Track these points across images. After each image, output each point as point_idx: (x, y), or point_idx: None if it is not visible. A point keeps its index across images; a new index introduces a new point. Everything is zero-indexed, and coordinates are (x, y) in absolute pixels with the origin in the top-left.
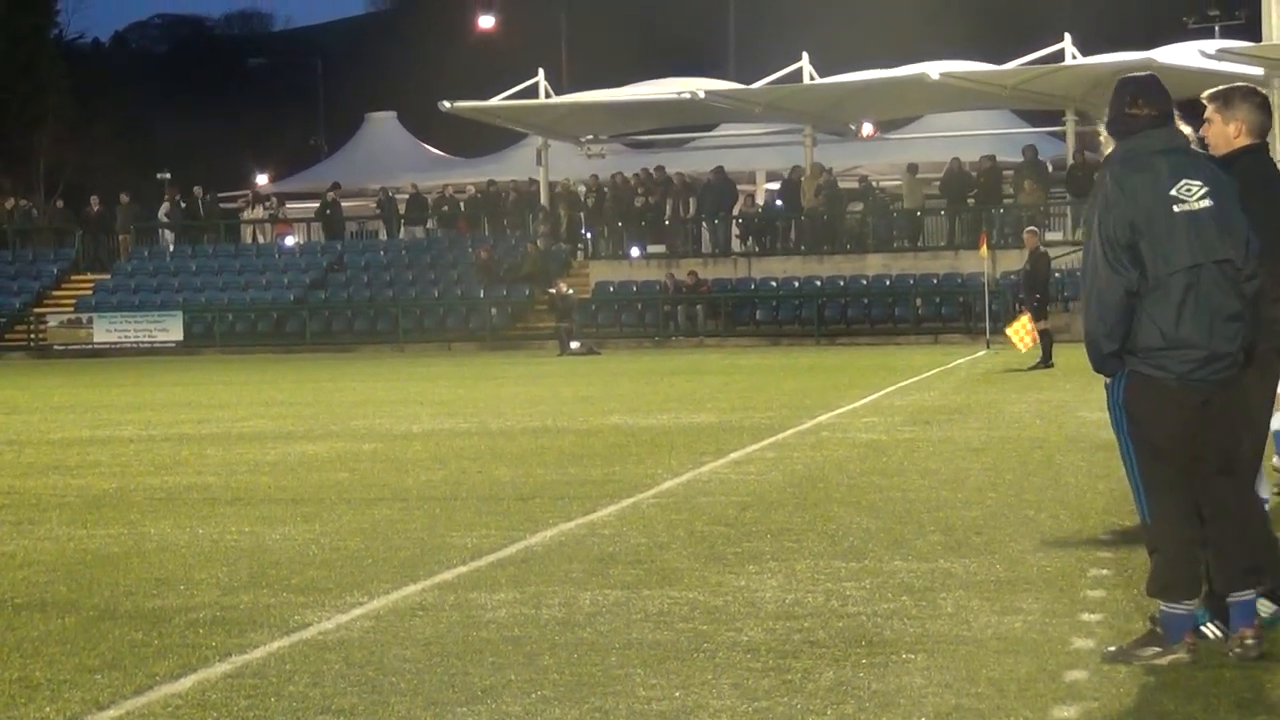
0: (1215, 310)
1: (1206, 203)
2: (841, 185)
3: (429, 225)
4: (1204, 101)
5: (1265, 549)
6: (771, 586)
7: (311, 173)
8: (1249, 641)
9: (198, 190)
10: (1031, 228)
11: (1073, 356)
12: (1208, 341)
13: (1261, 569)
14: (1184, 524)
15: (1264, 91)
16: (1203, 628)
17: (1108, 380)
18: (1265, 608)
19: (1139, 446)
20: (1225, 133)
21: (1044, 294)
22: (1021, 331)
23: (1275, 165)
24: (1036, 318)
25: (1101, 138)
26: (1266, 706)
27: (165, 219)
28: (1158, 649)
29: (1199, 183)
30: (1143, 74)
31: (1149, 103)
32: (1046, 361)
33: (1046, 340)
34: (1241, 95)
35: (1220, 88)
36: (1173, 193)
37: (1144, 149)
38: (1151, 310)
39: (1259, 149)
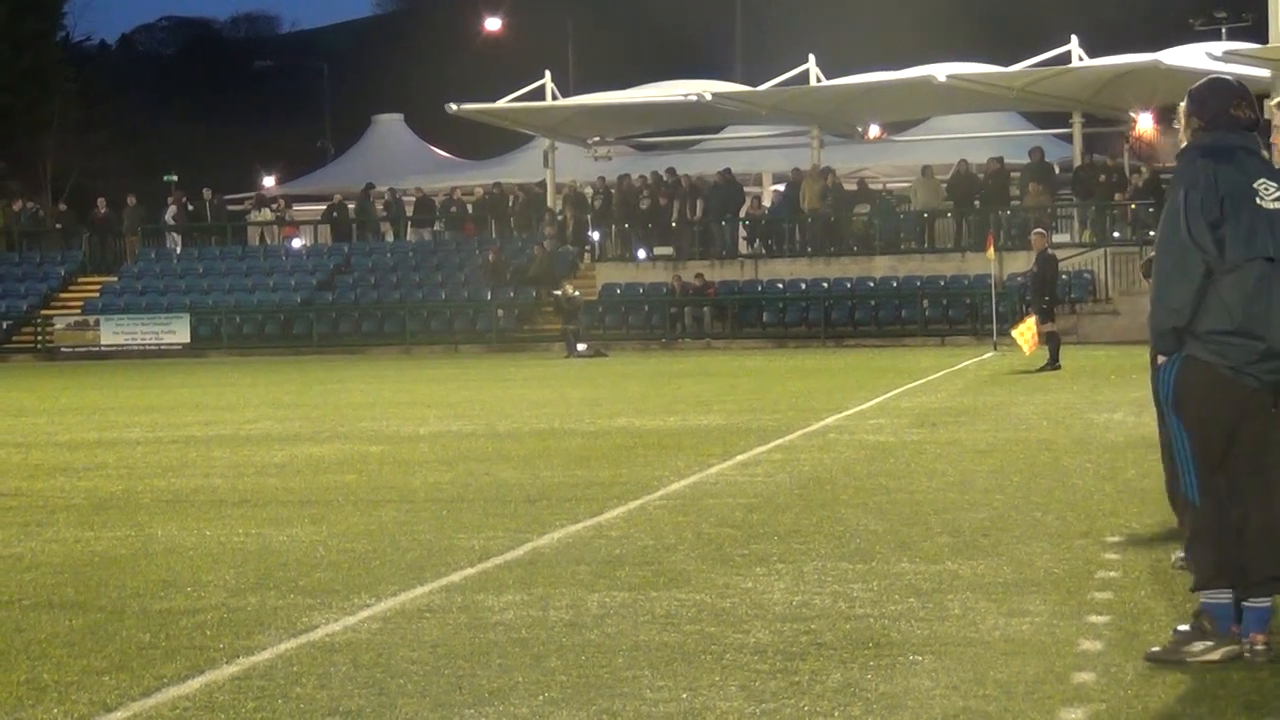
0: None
1: (1279, 205)
2: (845, 187)
3: (436, 227)
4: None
5: None
6: (779, 588)
7: (318, 175)
8: (1259, 647)
9: (207, 193)
10: (1039, 229)
11: (1081, 358)
12: (1273, 336)
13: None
14: (1228, 511)
15: None
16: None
17: (1162, 360)
18: None
19: (1192, 429)
20: None
21: (1052, 296)
22: (1027, 333)
23: None
24: (1044, 320)
25: (1181, 126)
26: (1275, 708)
27: (172, 221)
28: (1208, 643)
29: (1275, 184)
30: (1235, 79)
31: (1250, 107)
32: (1054, 363)
33: (1054, 342)
34: None
35: None
36: (1255, 186)
37: (1230, 143)
38: (1223, 293)
39: None
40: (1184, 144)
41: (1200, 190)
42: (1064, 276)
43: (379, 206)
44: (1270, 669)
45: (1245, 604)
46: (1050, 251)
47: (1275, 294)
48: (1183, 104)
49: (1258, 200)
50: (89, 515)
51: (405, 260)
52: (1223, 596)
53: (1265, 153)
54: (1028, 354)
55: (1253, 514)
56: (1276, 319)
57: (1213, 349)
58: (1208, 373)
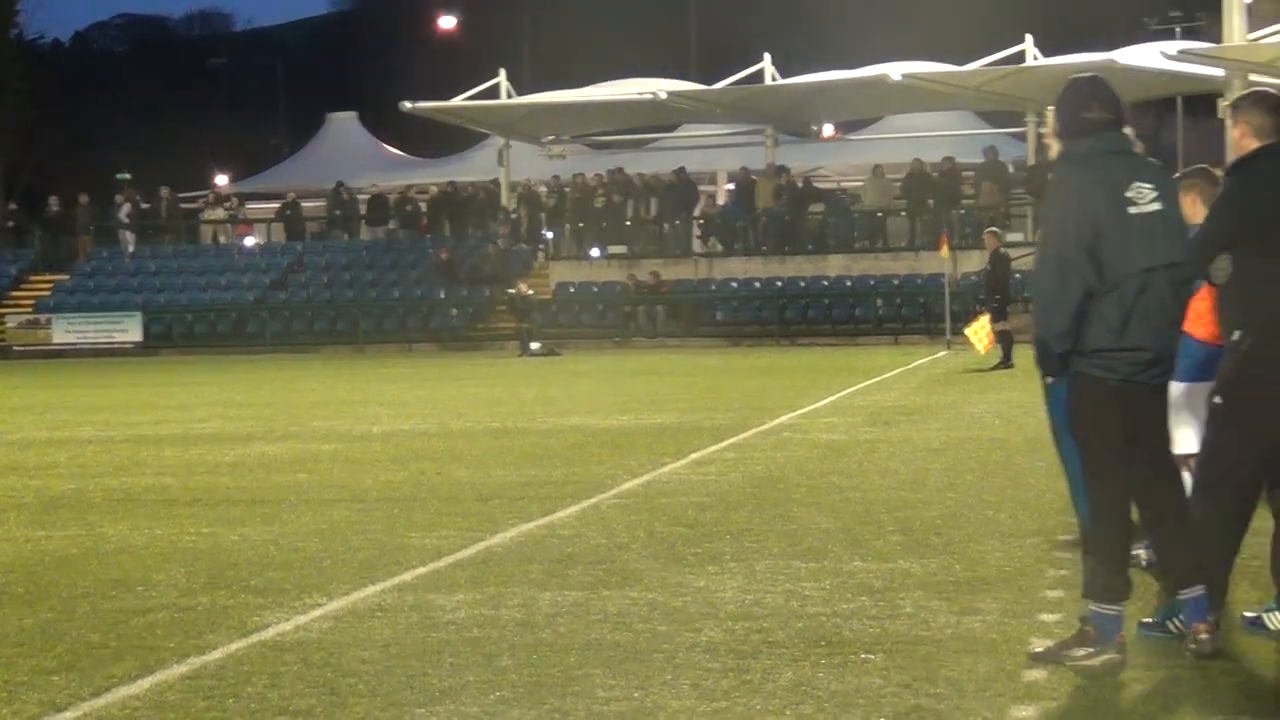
0: (1162, 313)
1: (1156, 205)
2: (799, 186)
3: (390, 226)
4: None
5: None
6: (731, 587)
7: (272, 173)
8: (1203, 637)
9: (164, 191)
10: (993, 229)
11: (1031, 357)
12: (1155, 343)
13: (1206, 564)
14: (1123, 527)
15: (1272, 93)
16: (1169, 623)
17: (1049, 381)
18: (1276, 619)
19: (1084, 448)
20: (1234, 136)
21: (1004, 295)
22: (980, 332)
23: None
24: (997, 319)
25: (1048, 139)
26: (1224, 705)
27: (125, 219)
28: (1090, 649)
29: (1149, 185)
30: (1093, 75)
31: (1104, 105)
32: (1007, 362)
33: (1007, 341)
34: (1248, 100)
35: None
36: (1127, 194)
37: (1099, 150)
38: (1104, 311)
39: (1268, 150)
40: (1053, 153)
41: (1073, 213)
42: (1017, 276)
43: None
44: (1219, 666)
45: (1179, 597)
46: (1003, 251)
47: (1153, 301)
48: (1050, 109)
49: (1130, 209)
50: (40, 514)
51: (359, 259)
52: (1110, 609)
53: (1139, 150)
54: (981, 353)
55: (1167, 513)
56: (1158, 325)
57: (1100, 364)
58: (1099, 387)
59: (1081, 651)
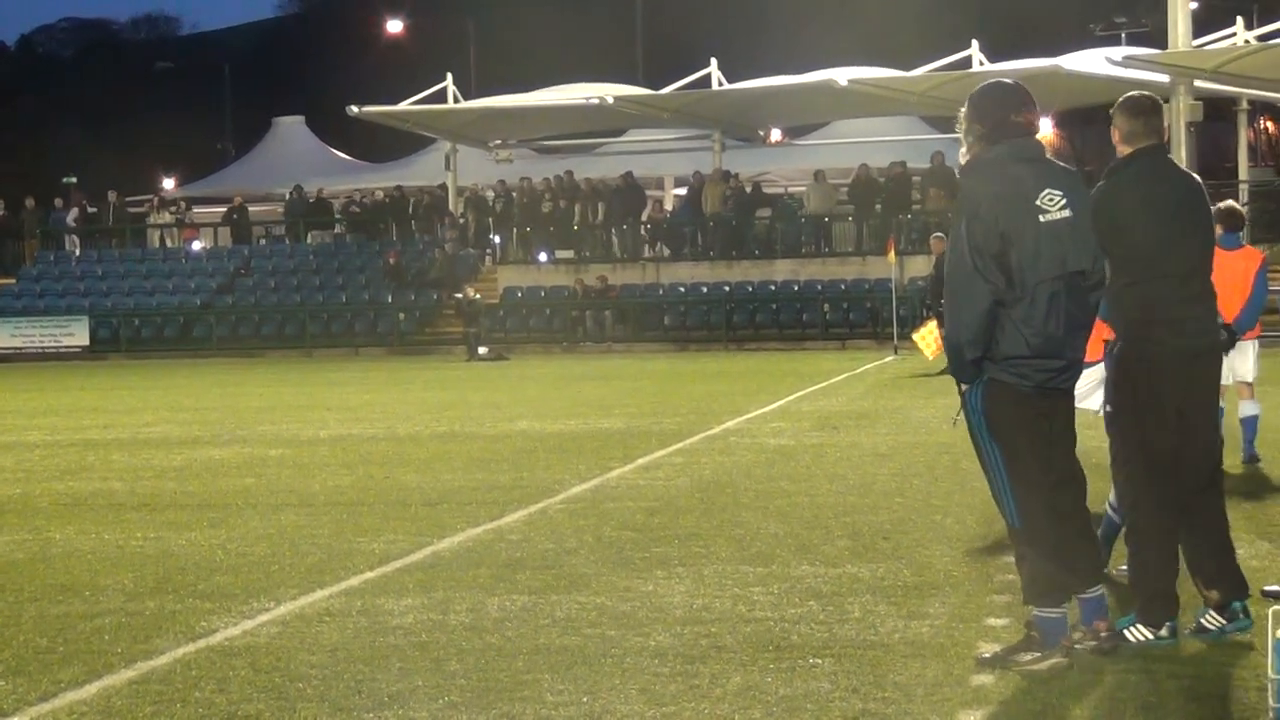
0: (1072, 319)
1: (1066, 213)
2: (748, 191)
3: (337, 230)
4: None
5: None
6: (679, 591)
7: (218, 177)
8: (1103, 634)
9: (112, 195)
10: (938, 234)
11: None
12: (1067, 351)
13: (1104, 565)
14: (1054, 526)
15: (1141, 97)
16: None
17: (964, 387)
18: (1213, 621)
19: (1004, 451)
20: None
21: None
22: (929, 337)
23: (1163, 168)
24: (944, 323)
25: (963, 144)
26: (1170, 710)
27: (72, 223)
28: (1035, 654)
29: (1060, 193)
30: (1015, 81)
31: (1030, 110)
32: None
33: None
34: (1118, 105)
35: None
36: (1038, 202)
37: (1010, 157)
38: (1017, 319)
39: (1129, 157)
40: (965, 155)
41: (981, 221)
42: None
43: (280, 210)
44: (1168, 670)
45: (1080, 596)
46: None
47: (1064, 308)
48: (963, 109)
49: (1041, 217)
50: None
51: (305, 263)
52: (1053, 612)
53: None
54: (930, 358)
55: (1073, 517)
56: (1069, 333)
57: (1012, 372)
58: (1011, 393)
59: (1028, 656)
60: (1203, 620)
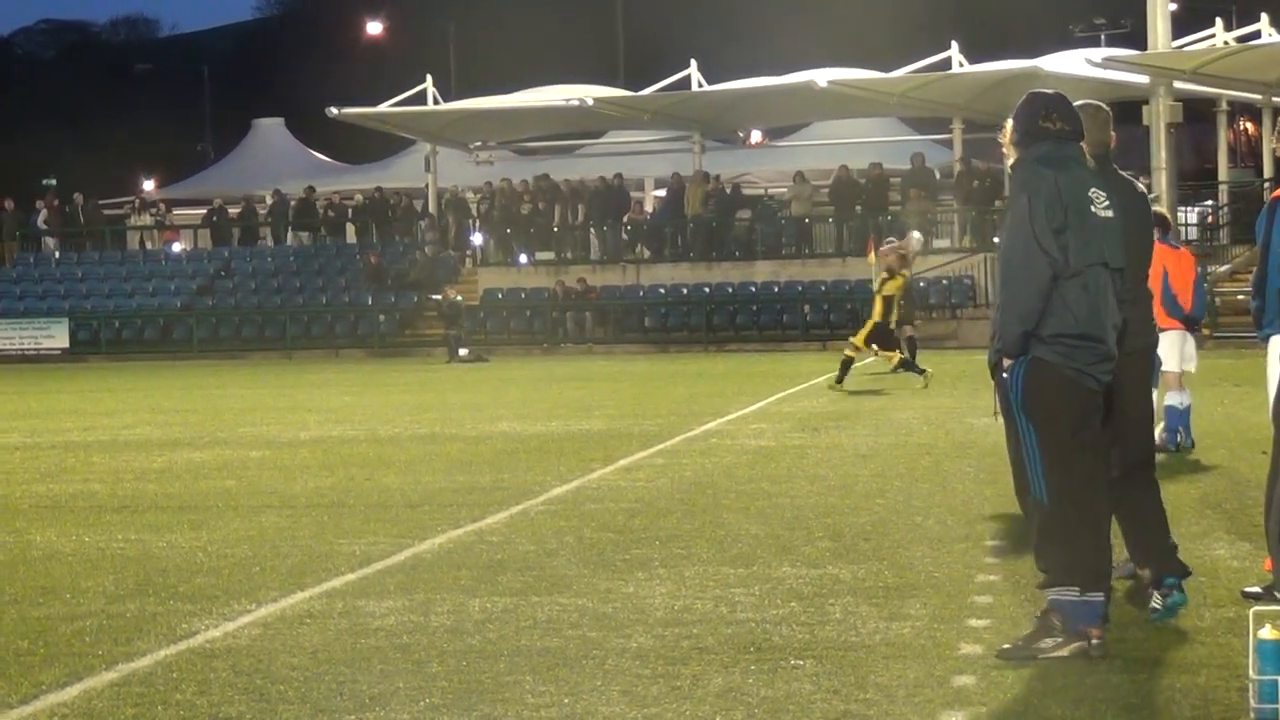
0: (1112, 312)
1: (1110, 214)
2: (728, 192)
3: (321, 232)
4: None
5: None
6: (660, 593)
7: (198, 179)
8: (1094, 641)
9: (77, 197)
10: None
11: (961, 363)
12: (1108, 336)
13: (1110, 575)
14: (1092, 510)
15: (1093, 106)
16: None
17: (1006, 364)
18: (1157, 601)
19: (1040, 430)
20: None
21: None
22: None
23: (1117, 178)
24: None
25: (1005, 146)
26: (1152, 710)
27: (44, 225)
28: (1057, 640)
29: (1105, 194)
30: (1054, 91)
31: (1062, 118)
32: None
33: (913, 346)
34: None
35: None
36: (1089, 195)
37: (1059, 153)
38: (1068, 297)
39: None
40: (1009, 157)
41: (1044, 197)
42: (944, 282)
43: (261, 212)
44: (1149, 672)
45: (1082, 598)
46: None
47: (1108, 298)
48: (1009, 119)
49: (1092, 208)
50: None
51: (285, 265)
52: (1070, 594)
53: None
54: (889, 362)
55: (1097, 516)
56: (1109, 323)
57: (1058, 351)
58: (1054, 374)
59: (1049, 642)
60: (1151, 603)
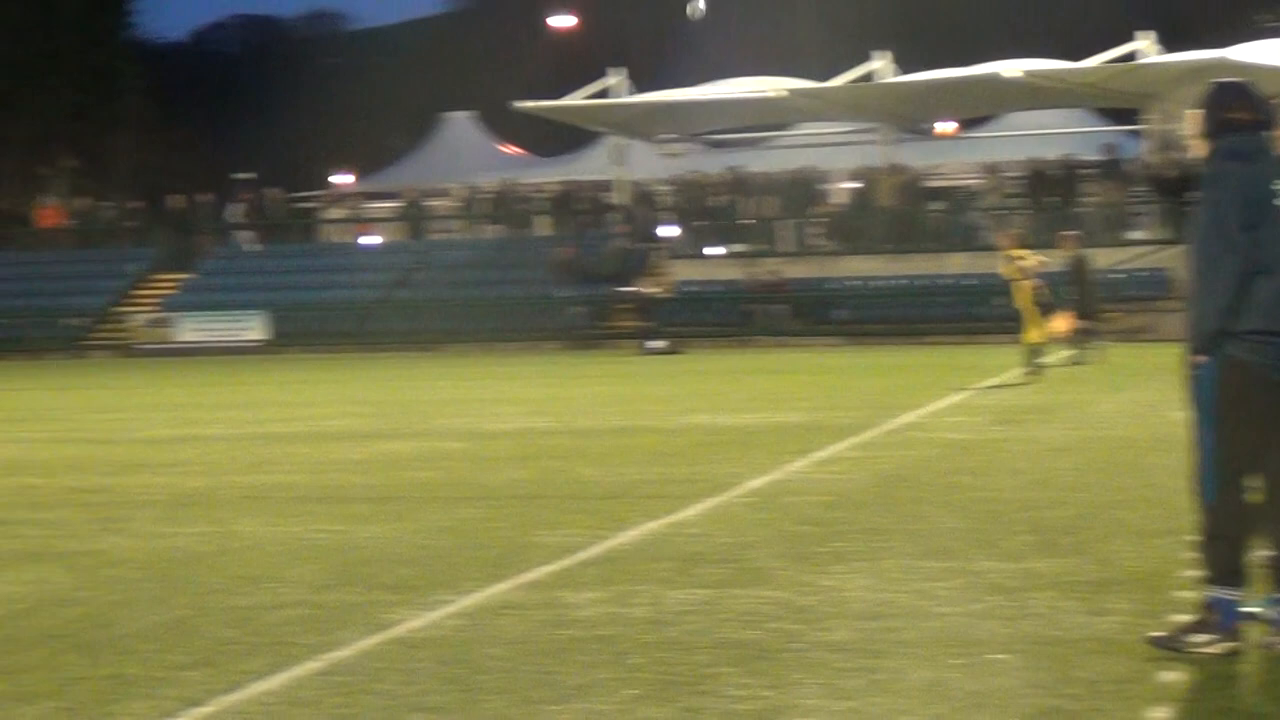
0: None
1: None
2: (919, 184)
3: (514, 224)
4: None
5: None
6: (859, 586)
7: (389, 173)
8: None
9: (269, 192)
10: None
11: (1158, 356)
12: None
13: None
14: (1249, 510)
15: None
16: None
17: (1199, 360)
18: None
19: (1220, 427)
20: None
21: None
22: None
23: None
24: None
25: (1191, 139)
26: None
27: (243, 219)
28: (1211, 637)
29: None
30: (1238, 80)
31: (1247, 107)
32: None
33: (1082, 338)
34: None
35: None
36: (1273, 187)
37: (1249, 146)
38: (1259, 294)
39: None
40: (1192, 150)
41: (1235, 194)
42: (1140, 274)
43: (452, 205)
44: None
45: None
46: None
47: None
48: (1193, 111)
49: (1275, 201)
50: (171, 511)
51: (481, 257)
52: (1232, 594)
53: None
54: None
55: (1270, 519)
56: None
57: (1249, 348)
58: (1246, 373)
59: (1201, 638)
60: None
